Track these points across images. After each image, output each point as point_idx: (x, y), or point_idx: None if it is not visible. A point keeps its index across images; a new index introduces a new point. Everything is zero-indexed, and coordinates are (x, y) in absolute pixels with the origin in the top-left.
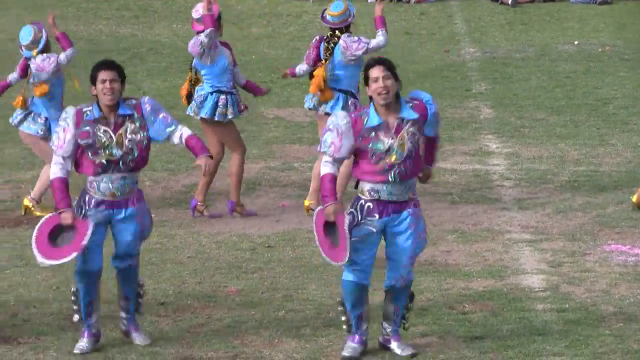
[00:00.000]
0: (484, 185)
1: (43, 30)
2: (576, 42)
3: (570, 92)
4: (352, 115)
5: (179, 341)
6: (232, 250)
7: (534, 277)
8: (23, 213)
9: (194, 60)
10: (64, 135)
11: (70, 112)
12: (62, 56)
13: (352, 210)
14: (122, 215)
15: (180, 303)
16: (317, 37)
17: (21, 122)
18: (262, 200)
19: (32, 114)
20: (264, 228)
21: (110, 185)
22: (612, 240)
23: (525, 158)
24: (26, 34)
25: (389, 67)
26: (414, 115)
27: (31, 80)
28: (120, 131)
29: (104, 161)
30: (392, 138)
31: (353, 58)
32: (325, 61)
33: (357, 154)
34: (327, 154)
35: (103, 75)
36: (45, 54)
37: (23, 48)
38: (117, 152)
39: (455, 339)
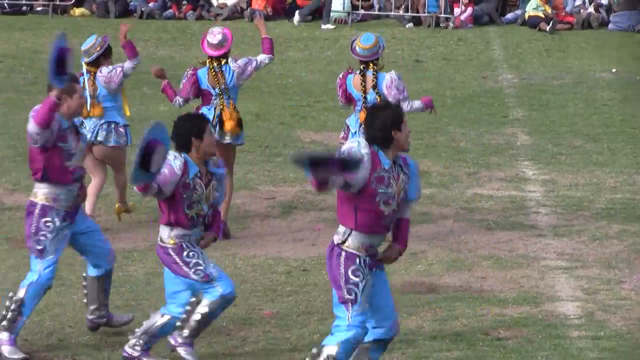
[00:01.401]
0: (520, 212)
1: (101, 48)
2: (614, 70)
3: (608, 119)
4: (370, 148)
5: None
6: (268, 274)
7: (569, 304)
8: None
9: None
10: (169, 176)
11: (179, 159)
12: (127, 65)
13: (359, 269)
14: None
15: (215, 325)
16: (341, 75)
17: (107, 138)
18: (298, 224)
19: (112, 125)
20: (300, 251)
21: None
22: None
23: (561, 185)
24: (87, 41)
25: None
26: (406, 171)
27: (98, 92)
28: (209, 187)
29: (194, 215)
30: (396, 184)
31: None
32: (378, 96)
33: (357, 199)
34: None
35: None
36: (110, 66)
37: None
38: (205, 208)
39: None
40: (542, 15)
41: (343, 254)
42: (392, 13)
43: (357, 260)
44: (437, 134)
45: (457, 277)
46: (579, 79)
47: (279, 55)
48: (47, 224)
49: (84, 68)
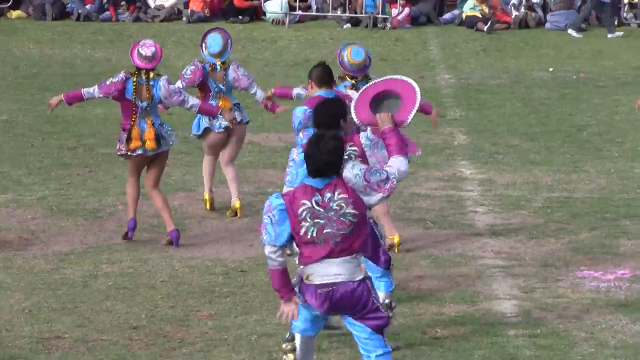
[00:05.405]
0: (458, 211)
1: (229, 43)
2: (551, 69)
3: (545, 118)
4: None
5: None
6: (205, 275)
7: (507, 302)
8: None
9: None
10: None
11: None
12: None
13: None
14: None
15: (153, 327)
16: None
17: (241, 117)
18: (236, 225)
19: (237, 106)
20: (237, 252)
21: None
22: (585, 266)
23: (499, 184)
24: (216, 43)
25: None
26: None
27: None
28: None
29: None
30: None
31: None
32: None
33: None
34: None
35: None
36: (246, 72)
37: (206, 52)
38: None
39: None
40: (480, 15)
41: (368, 282)
42: (330, 14)
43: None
44: None
45: (395, 276)
46: (516, 79)
47: None
48: None
49: (218, 65)
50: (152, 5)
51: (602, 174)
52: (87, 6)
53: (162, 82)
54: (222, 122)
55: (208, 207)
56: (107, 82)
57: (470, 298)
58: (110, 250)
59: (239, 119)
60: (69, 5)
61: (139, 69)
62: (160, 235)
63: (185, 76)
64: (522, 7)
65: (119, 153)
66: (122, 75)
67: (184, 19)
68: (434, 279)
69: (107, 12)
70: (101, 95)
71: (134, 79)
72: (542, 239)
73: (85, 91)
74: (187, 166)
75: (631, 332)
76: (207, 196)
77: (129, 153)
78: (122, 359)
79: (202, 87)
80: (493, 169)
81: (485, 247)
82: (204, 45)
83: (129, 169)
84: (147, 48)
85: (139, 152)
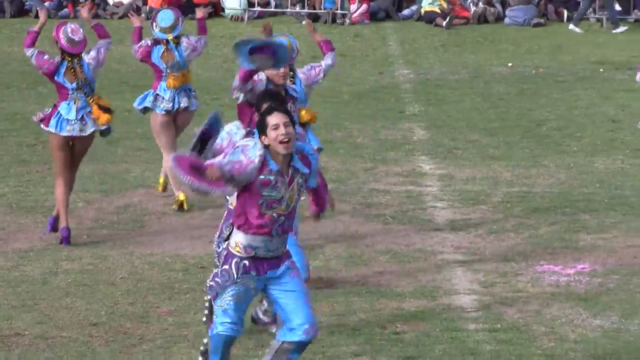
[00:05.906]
0: (417, 206)
1: (180, 19)
2: (510, 64)
3: (504, 113)
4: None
5: None
6: (165, 271)
7: (466, 297)
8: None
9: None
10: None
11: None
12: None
13: (227, 267)
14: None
15: (113, 324)
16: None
17: (190, 103)
18: (196, 222)
19: (189, 92)
20: (197, 249)
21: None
22: (544, 260)
23: (458, 179)
24: (167, 17)
25: (288, 113)
26: (305, 170)
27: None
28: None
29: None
30: (285, 188)
31: (314, 85)
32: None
33: (244, 201)
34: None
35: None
36: (192, 37)
37: (157, 29)
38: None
39: (388, 359)
40: (438, 11)
41: (224, 252)
42: (289, 10)
43: (231, 261)
44: (334, 130)
45: (354, 272)
46: (475, 74)
47: None
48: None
49: (171, 42)
50: (110, 2)
51: (562, 168)
52: (46, 4)
53: (86, 59)
54: (166, 105)
55: (186, 207)
56: (45, 57)
57: (430, 293)
58: (70, 247)
59: (186, 105)
60: (27, 2)
61: (69, 54)
62: (120, 232)
63: (135, 47)
64: (481, 2)
65: (34, 119)
66: (57, 57)
67: (143, 15)
68: (394, 275)
69: (66, 10)
70: (33, 62)
71: (68, 63)
72: (501, 234)
73: (31, 51)
74: (147, 163)
75: (591, 326)
76: (182, 197)
77: (42, 126)
78: (82, 355)
79: (153, 66)
80: (452, 164)
81: (445, 242)
82: (154, 23)
83: (56, 161)
84: (77, 33)
85: (51, 129)
